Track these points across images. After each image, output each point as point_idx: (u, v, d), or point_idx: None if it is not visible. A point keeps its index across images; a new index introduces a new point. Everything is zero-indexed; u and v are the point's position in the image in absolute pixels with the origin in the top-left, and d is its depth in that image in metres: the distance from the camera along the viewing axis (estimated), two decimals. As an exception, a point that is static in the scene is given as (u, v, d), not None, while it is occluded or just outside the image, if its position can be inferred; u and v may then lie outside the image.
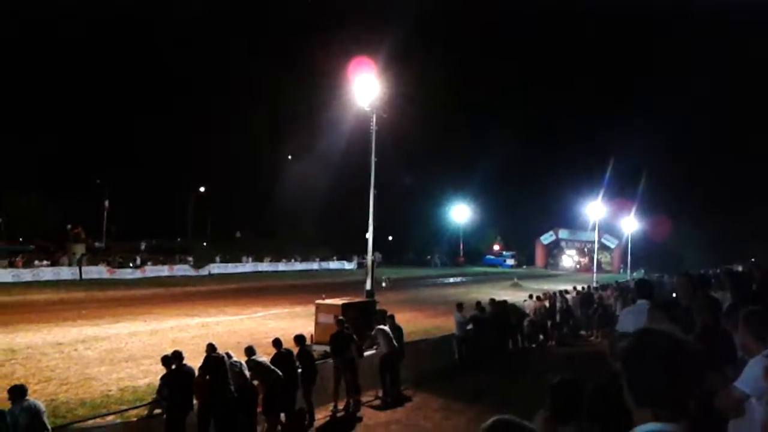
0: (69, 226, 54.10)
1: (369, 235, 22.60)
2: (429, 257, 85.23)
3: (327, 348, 12.90)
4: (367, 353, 13.53)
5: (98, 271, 44.38)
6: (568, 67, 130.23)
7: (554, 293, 24.36)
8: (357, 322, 14.20)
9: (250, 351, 10.77)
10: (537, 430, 2.01)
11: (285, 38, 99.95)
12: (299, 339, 11.66)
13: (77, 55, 69.73)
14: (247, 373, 10.29)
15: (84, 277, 42.36)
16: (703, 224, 77.19)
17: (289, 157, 77.23)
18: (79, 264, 44.69)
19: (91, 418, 10.21)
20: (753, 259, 54.29)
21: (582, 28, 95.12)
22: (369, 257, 22.90)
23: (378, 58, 24.71)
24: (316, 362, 11.93)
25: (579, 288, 27.45)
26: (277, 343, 11.21)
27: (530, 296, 22.91)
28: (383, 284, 22.36)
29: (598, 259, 61.02)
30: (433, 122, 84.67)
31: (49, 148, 62.22)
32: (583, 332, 24.35)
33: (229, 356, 10.36)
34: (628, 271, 64.50)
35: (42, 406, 8.35)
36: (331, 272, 61.58)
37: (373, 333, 13.50)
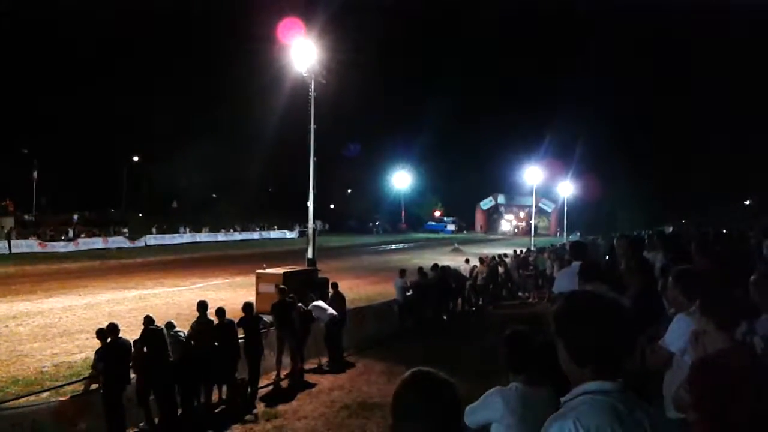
0: (-4, 198, 51.87)
1: (310, 204, 22.45)
2: (371, 224, 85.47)
3: (268, 318, 12.79)
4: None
5: (29, 245, 42.68)
6: (510, 35, 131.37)
7: (494, 257, 24.84)
8: (299, 291, 14.10)
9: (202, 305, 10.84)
10: (452, 383, 2.05)
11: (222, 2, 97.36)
12: (246, 307, 11.55)
13: (2, 22, 66.19)
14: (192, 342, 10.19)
15: (13, 251, 40.69)
16: (635, 187, 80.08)
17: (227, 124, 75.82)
18: (8, 238, 42.83)
19: (24, 396, 9.87)
20: (683, 221, 56.69)
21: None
22: (310, 226, 22.76)
23: (315, 23, 24.27)
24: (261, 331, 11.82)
25: (517, 251, 28.13)
26: (220, 312, 10.98)
27: (467, 260, 23.27)
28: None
29: (535, 223, 62.29)
30: (373, 89, 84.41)
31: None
32: (520, 294, 25.15)
33: (172, 326, 10.18)
34: (565, 234, 66.16)
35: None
36: (273, 241, 61.01)
37: (313, 314, 13.27)
